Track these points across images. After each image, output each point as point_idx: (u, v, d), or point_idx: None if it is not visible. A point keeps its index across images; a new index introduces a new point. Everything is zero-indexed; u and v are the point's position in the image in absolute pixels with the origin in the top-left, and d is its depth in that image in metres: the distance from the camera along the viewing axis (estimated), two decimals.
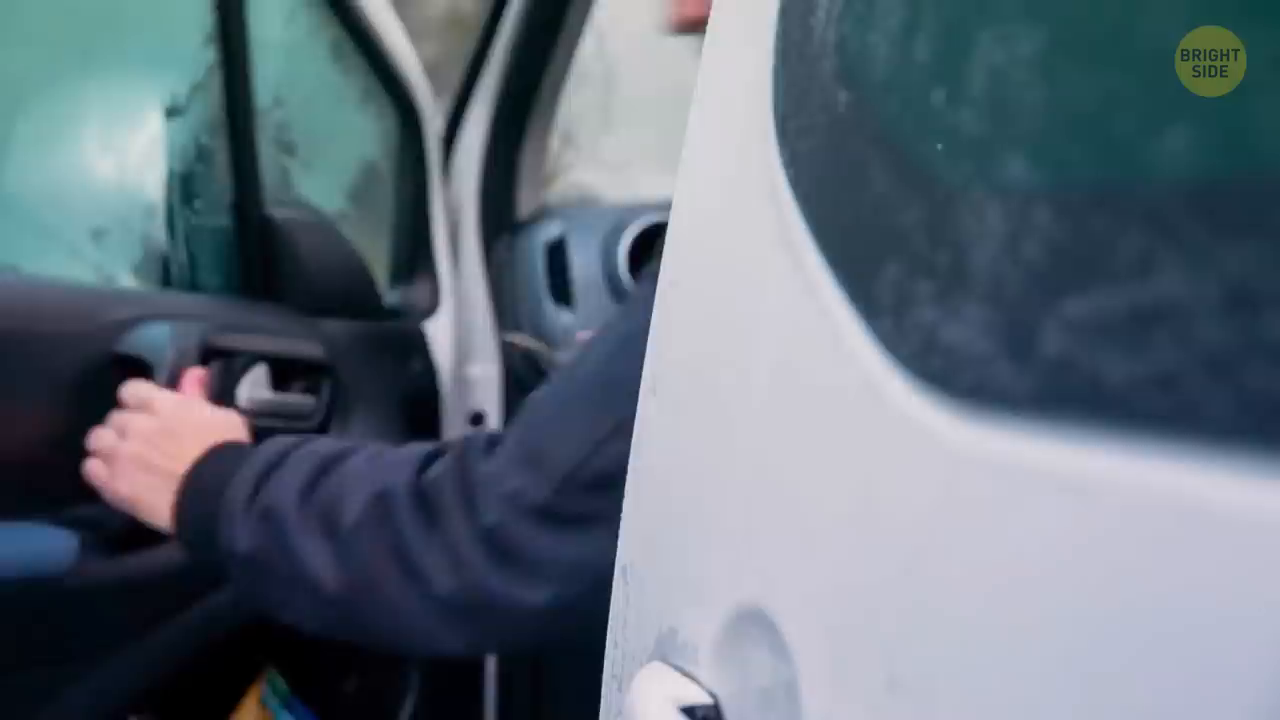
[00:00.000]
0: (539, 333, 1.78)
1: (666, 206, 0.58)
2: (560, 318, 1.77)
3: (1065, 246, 0.34)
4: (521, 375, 1.79)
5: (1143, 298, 0.30)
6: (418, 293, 1.76)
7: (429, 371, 1.71)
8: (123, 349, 1.19)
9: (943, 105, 0.40)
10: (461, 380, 1.78)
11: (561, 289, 1.78)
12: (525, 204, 1.92)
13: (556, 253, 1.79)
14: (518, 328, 1.80)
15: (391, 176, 1.79)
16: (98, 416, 1.12)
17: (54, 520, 1.15)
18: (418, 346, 1.70)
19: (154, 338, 1.20)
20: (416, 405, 1.68)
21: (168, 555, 1.22)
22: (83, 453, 1.10)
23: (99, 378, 1.16)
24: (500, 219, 1.88)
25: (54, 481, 1.13)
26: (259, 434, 1.15)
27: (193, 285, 1.42)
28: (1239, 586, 0.27)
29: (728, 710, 0.47)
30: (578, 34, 1.85)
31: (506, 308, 1.81)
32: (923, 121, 0.41)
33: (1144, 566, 0.29)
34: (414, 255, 1.78)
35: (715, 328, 0.52)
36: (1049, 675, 0.32)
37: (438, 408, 1.74)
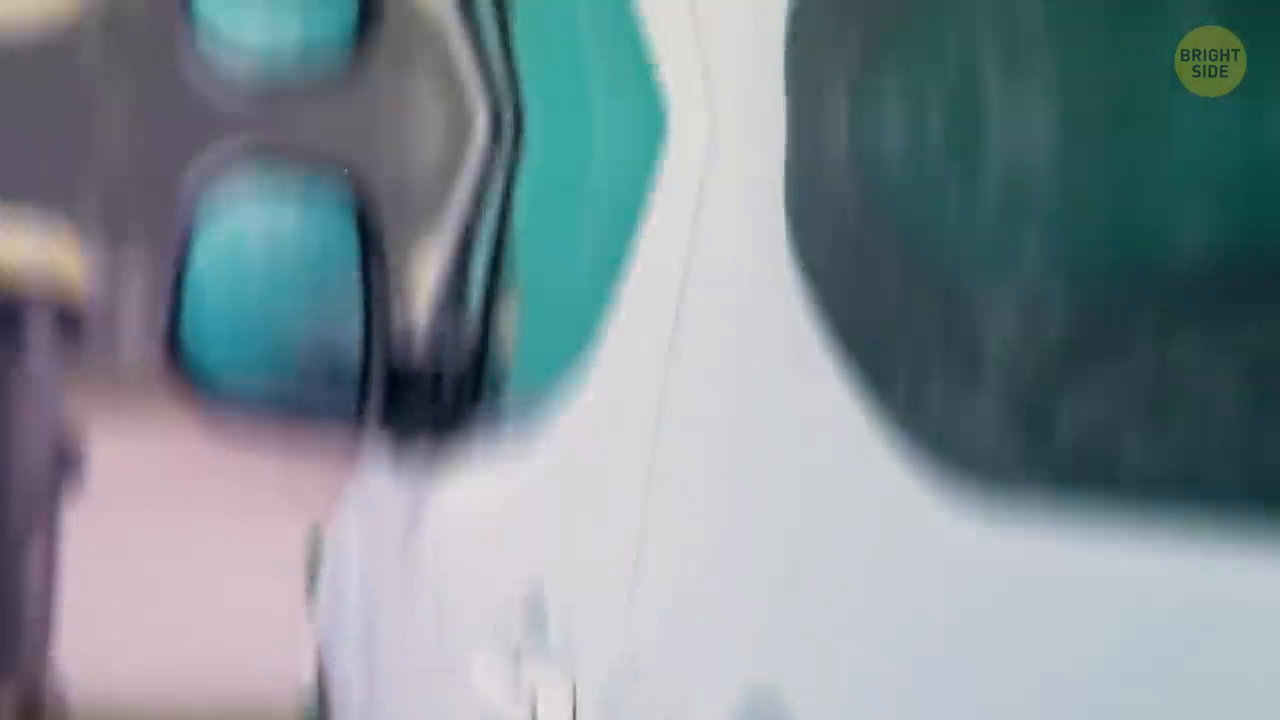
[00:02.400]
0: None
1: None
2: None
3: (1079, 337, 0.34)
4: None
5: (1160, 384, 0.31)
6: None
7: None
8: None
9: (956, 200, 0.41)
10: None
11: None
12: None
13: None
14: None
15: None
16: None
17: None
18: None
19: None
20: None
21: None
22: None
23: None
24: None
25: None
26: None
27: None
28: (1269, 676, 0.27)
29: None
30: None
31: None
32: (937, 215, 0.42)
33: (1162, 659, 0.29)
34: None
35: (725, 423, 0.53)
36: None
37: None
